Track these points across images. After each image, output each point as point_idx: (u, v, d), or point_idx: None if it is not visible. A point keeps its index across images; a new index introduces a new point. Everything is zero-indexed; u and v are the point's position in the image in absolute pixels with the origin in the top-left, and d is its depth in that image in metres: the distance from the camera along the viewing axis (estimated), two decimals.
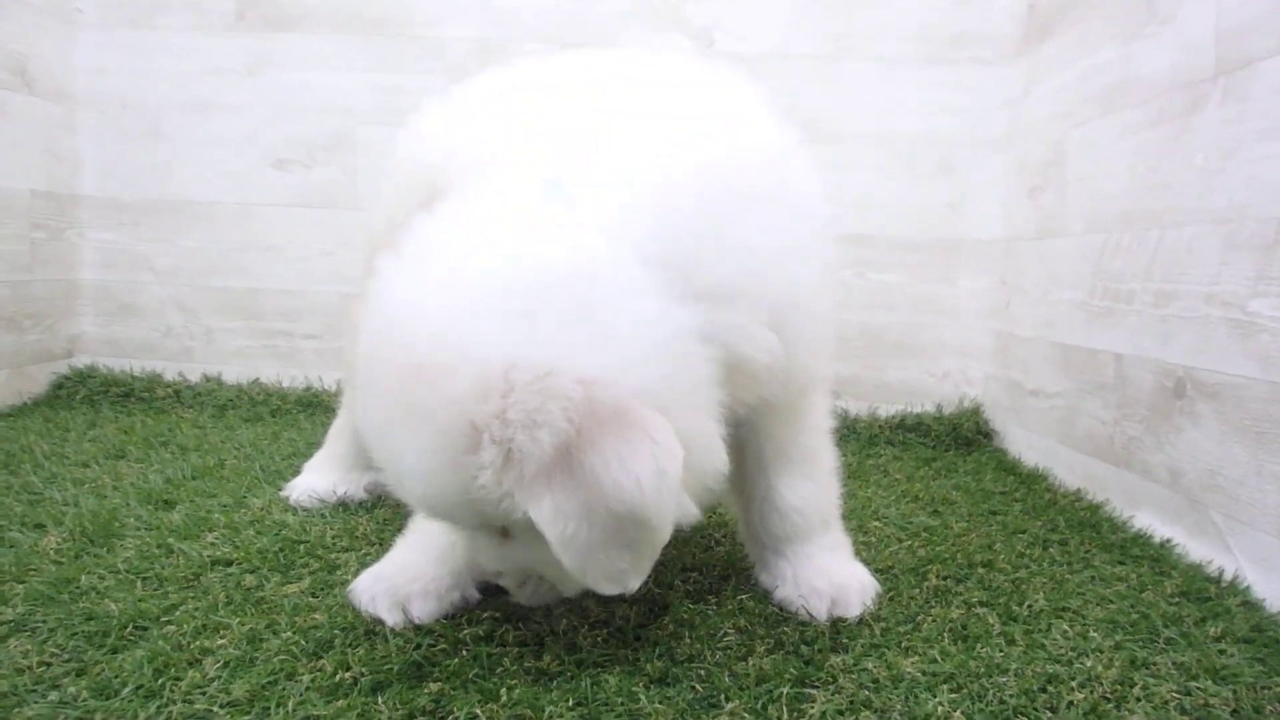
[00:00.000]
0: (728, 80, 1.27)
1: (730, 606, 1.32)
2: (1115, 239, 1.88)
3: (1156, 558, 1.61)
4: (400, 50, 2.57)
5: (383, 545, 1.51)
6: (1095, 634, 1.28)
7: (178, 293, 2.66)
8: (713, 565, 1.49)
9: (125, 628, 1.16)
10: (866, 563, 1.48)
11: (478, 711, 1.01)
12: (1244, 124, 1.50)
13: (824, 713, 1.04)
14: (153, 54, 2.60)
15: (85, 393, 2.54)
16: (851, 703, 1.06)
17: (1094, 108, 2.02)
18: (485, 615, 1.24)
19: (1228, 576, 1.49)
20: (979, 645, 1.23)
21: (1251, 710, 1.08)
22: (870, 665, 1.15)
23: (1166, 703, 1.08)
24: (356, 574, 1.37)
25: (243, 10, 2.59)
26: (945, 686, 1.11)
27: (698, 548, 1.59)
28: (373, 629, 1.20)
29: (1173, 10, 1.72)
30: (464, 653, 1.15)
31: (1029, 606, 1.38)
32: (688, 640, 1.21)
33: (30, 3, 2.49)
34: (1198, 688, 1.12)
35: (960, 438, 2.54)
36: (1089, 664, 1.18)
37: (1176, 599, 1.42)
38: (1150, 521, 1.73)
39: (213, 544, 1.47)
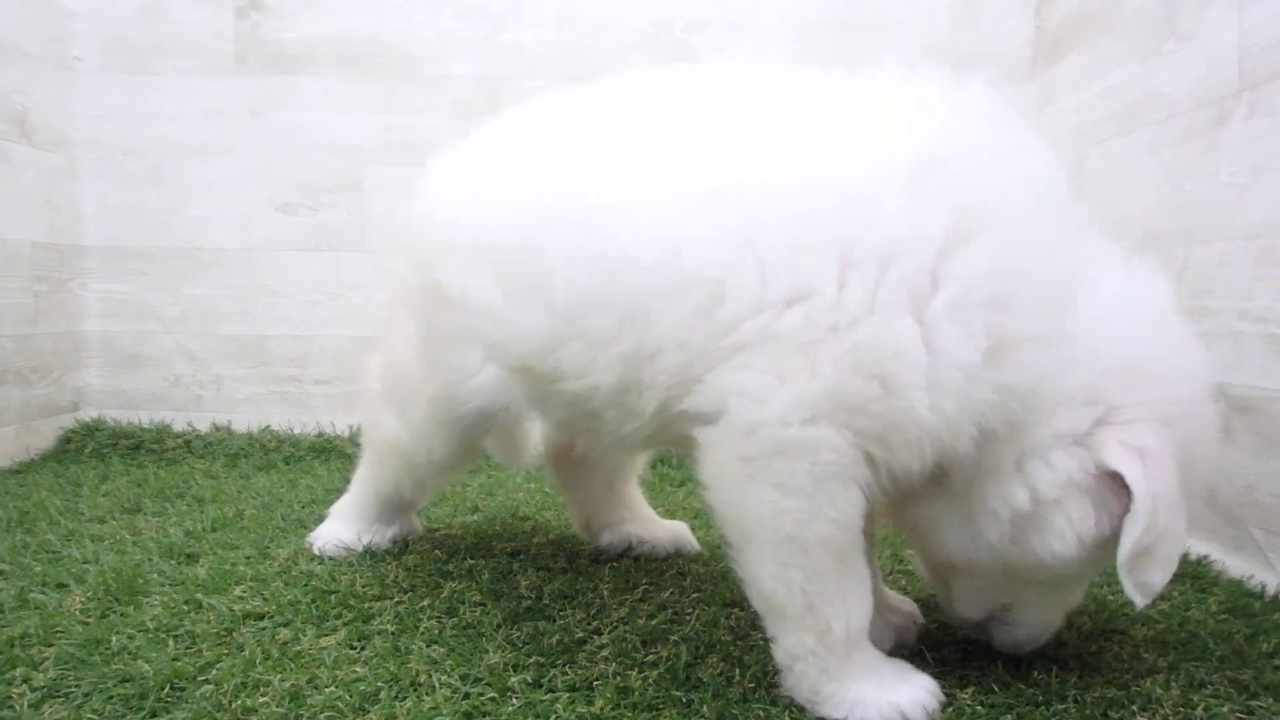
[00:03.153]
0: None
1: None
2: (1141, 257, 1.87)
3: (1196, 575, 1.59)
4: (404, 89, 2.56)
5: (414, 592, 1.48)
6: (1147, 654, 1.26)
7: (185, 341, 2.63)
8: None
9: (162, 689, 1.12)
10: (906, 592, 1.46)
11: None
12: (1272, 138, 1.51)
13: None
14: (153, 99, 2.59)
15: (94, 446, 2.50)
16: None
17: (1113, 126, 2.02)
18: (530, 660, 1.22)
19: (1270, 591, 1.48)
20: (1033, 672, 1.20)
21: None
22: None
23: None
24: (393, 624, 1.35)
25: (243, 54, 2.59)
26: (1008, 718, 1.09)
27: (736, 583, 1.56)
28: (417, 680, 1.17)
29: (1194, 27, 1.72)
30: (514, 700, 1.13)
31: (1077, 630, 1.36)
32: (739, 679, 1.18)
33: (28, 52, 2.48)
34: (1260, 706, 1.10)
35: None
36: (1147, 685, 1.15)
37: (1223, 616, 1.40)
38: (1187, 538, 1.71)
39: (241, 597, 1.44)
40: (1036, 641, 1.21)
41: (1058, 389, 1.03)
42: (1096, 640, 1.31)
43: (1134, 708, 1.10)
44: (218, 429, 2.58)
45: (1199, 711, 1.09)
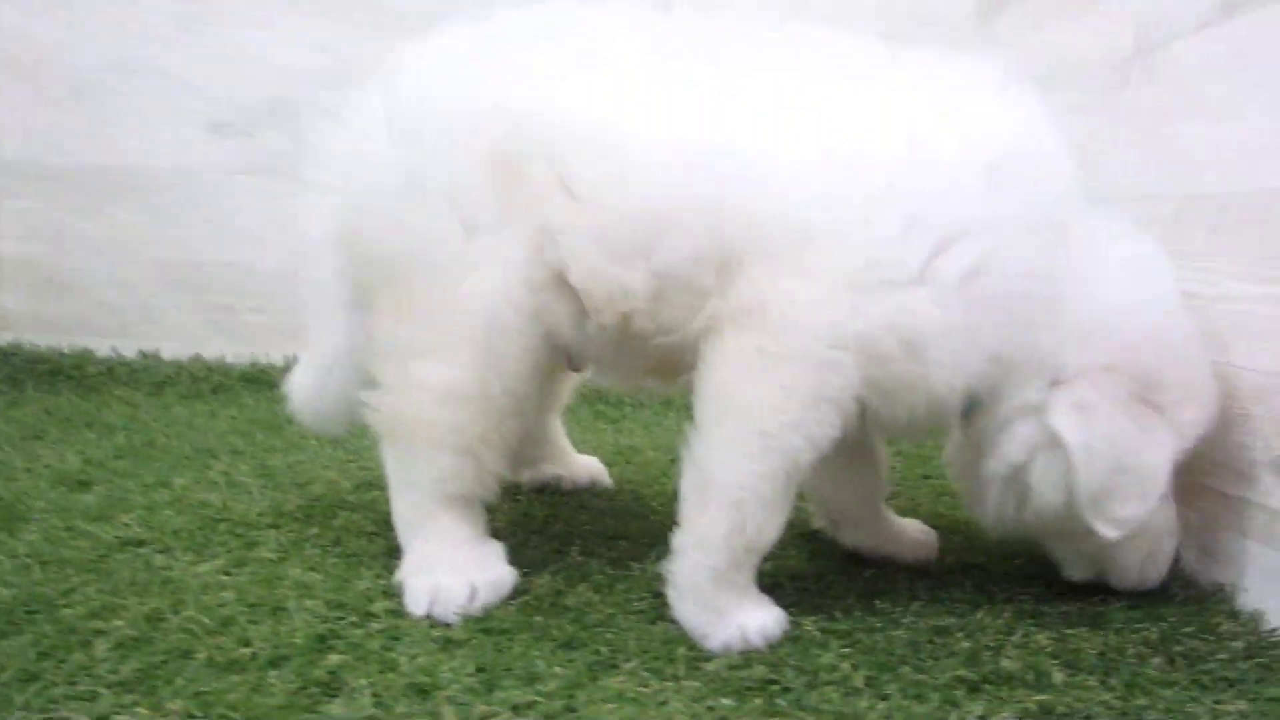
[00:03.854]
0: None
1: (653, 572, 1.30)
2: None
3: None
4: (340, 9, 2.49)
5: (307, 522, 1.48)
6: (994, 587, 1.31)
7: (110, 265, 2.55)
8: (642, 535, 1.46)
9: (13, 612, 1.11)
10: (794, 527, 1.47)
11: (375, 681, 0.99)
12: (1158, 104, 1.52)
13: (717, 669, 1.04)
14: (73, 13, 2.49)
15: (8, 371, 2.42)
16: (747, 659, 1.07)
17: (1039, 87, 2.01)
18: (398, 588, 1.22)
19: None
20: (877, 601, 1.25)
21: (1115, 652, 1.11)
22: None
23: (1043, 649, 1.11)
24: (275, 552, 1.34)
25: None
26: (839, 642, 1.12)
27: (629, 516, 1.56)
28: (282, 605, 1.16)
29: None
30: (372, 625, 1.13)
31: (941, 563, 1.41)
32: (601, 606, 1.19)
33: None
34: (1073, 634, 1.16)
35: None
36: (980, 616, 1.21)
37: None
38: None
39: (126, 525, 1.42)
40: (1154, 575, 1.27)
41: (1032, 362, 1.15)
42: (957, 574, 1.36)
43: (960, 635, 1.15)
44: (145, 356, 2.54)
45: (1016, 637, 1.15)
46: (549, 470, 1.72)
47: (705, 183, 1.15)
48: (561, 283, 1.21)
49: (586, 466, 1.76)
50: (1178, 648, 1.12)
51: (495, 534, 1.36)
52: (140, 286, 2.57)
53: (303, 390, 1.48)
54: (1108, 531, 1.15)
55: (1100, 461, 1.12)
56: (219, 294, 2.58)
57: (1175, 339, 1.19)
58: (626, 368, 1.38)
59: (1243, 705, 0.99)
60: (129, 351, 2.55)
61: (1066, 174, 1.19)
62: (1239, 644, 1.13)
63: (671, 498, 1.52)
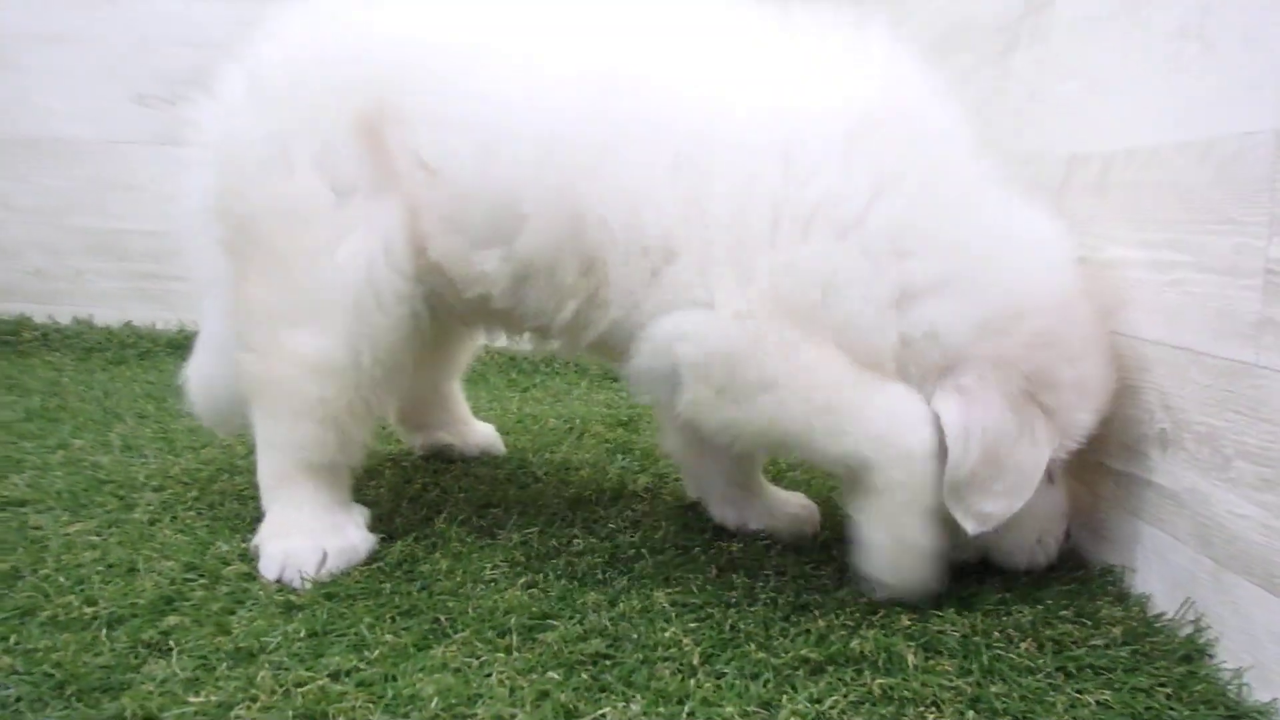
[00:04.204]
0: None
1: (514, 541, 1.33)
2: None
3: None
4: None
5: (192, 486, 1.51)
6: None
7: (39, 233, 2.59)
8: (516, 503, 1.49)
9: None
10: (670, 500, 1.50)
11: (204, 643, 1.02)
12: (1043, 65, 1.51)
13: (553, 641, 1.05)
14: None
15: None
16: (585, 631, 1.08)
17: (937, 50, 2.00)
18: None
19: None
20: (734, 576, 1.24)
21: (981, 635, 1.09)
22: (625, 598, 1.16)
23: (902, 630, 1.11)
24: (150, 514, 1.37)
25: None
26: (690, 616, 1.13)
27: (509, 484, 1.59)
28: (137, 566, 1.19)
29: None
30: (219, 588, 1.16)
31: (818, 538, 1.40)
32: (453, 574, 1.21)
33: None
34: (938, 615, 1.13)
35: None
36: (842, 593, 1.19)
37: None
38: None
39: (14, 485, 1.46)
40: (1042, 559, 1.24)
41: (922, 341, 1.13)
42: (830, 549, 1.34)
43: (817, 613, 1.14)
44: (79, 322, 2.57)
45: (877, 617, 1.13)
46: (442, 437, 1.72)
47: (558, 172, 1.14)
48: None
49: (480, 435, 1.76)
50: (1049, 632, 1.08)
51: (370, 500, 1.40)
52: (70, 254, 2.60)
53: (199, 376, 1.46)
54: (967, 525, 1.11)
55: (973, 449, 1.09)
56: (144, 261, 2.61)
57: (1073, 339, 1.15)
58: (517, 334, 1.39)
59: (1106, 695, 0.95)
60: (65, 318, 2.58)
61: (940, 137, 1.17)
62: (1118, 630, 1.08)
63: (560, 466, 1.55)
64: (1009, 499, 1.11)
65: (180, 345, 2.51)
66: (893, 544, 1.13)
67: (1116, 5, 1.31)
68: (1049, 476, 1.17)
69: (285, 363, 1.24)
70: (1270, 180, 0.97)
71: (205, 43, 2.49)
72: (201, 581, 1.17)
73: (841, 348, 1.10)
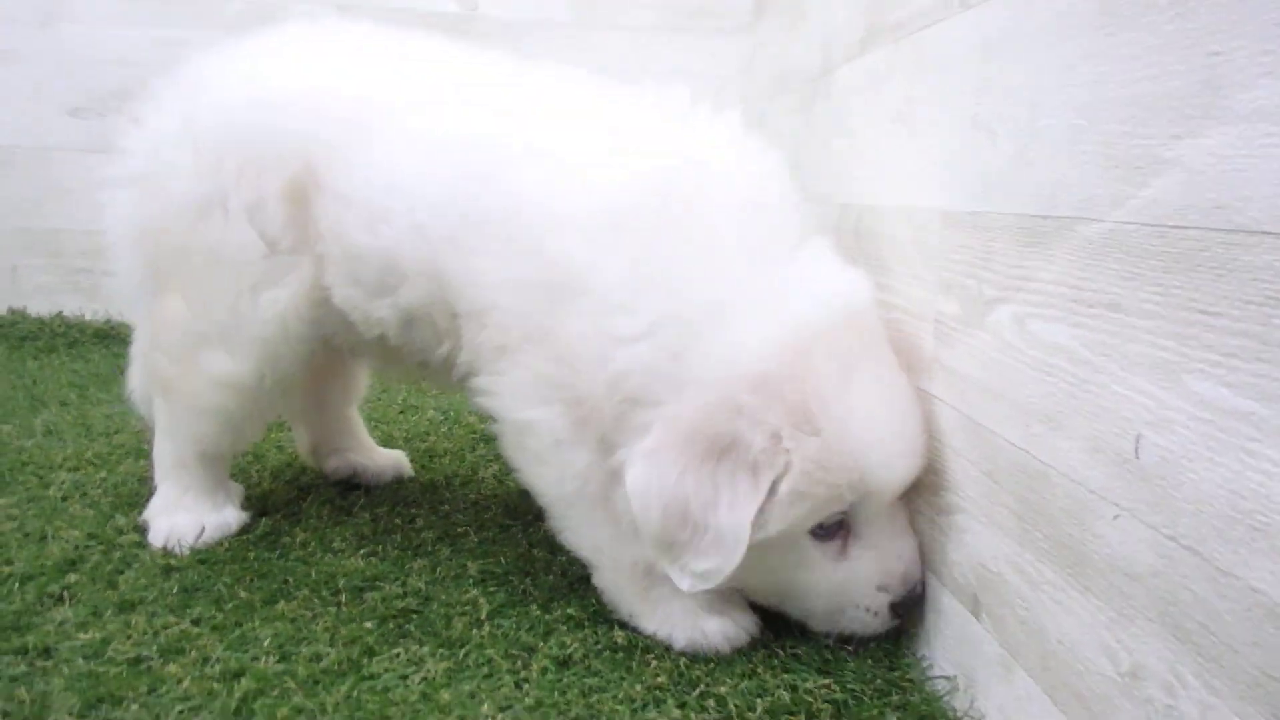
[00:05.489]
0: None
1: (364, 519, 1.62)
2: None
3: None
4: (181, 7, 2.74)
5: (101, 468, 1.77)
6: None
7: None
8: (370, 487, 1.78)
9: None
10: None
11: (96, 596, 1.30)
12: (826, 120, 1.79)
13: (374, 600, 1.34)
14: None
15: None
16: (404, 592, 1.37)
17: (775, 88, 2.29)
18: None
19: None
20: (540, 551, 1.53)
21: None
22: (445, 566, 1.46)
23: None
24: (64, 491, 1.64)
25: None
26: (493, 582, 1.42)
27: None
28: (45, 534, 1.46)
29: (812, 7, 1.99)
30: (114, 554, 1.43)
31: None
32: (307, 544, 1.50)
33: None
34: None
35: None
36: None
37: None
38: None
39: None
40: (849, 628, 1.25)
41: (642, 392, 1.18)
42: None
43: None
44: (13, 313, 2.82)
45: None
46: (353, 459, 1.83)
47: (427, 244, 1.31)
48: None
49: (390, 458, 1.87)
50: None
51: (252, 481, 1.68)
52: (8, 252, 2.84)
53: (141, 386, 1.64)
54: (681, 582, 1.14)
55: (654, 511, 1.11)
56: (77, 258, 2.86)
57: (803, 398, 1.13)
58: (398, 371, 1.64)
59: None
60: (0, 309, 2.82)
61: (708, 198, 1.23)
62: None
63: (425, 453, 1.84)
64: (716, 558, 1.11)
65: (106, 335, 2.78)
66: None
67: (867, 78, 1.58)
68: (840, 544, 1.20)
69: (197, 375, 1.48)
70: (940, 248, 1.23)
71: (130, 62, 2.75)
72: (100, 548, 1.44)
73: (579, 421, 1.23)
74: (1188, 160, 0.77)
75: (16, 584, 1.31)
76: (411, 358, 1.48)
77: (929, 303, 1.28)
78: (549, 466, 1.30)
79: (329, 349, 1.55)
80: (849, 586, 1.21)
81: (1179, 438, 0.77)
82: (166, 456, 1.56)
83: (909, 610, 1.24)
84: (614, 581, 1.32)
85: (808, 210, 1.35)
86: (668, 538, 1.12)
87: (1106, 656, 0.86)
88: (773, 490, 1.12)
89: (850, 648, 1.25)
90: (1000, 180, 1.08)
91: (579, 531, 1.33)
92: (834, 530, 1.20)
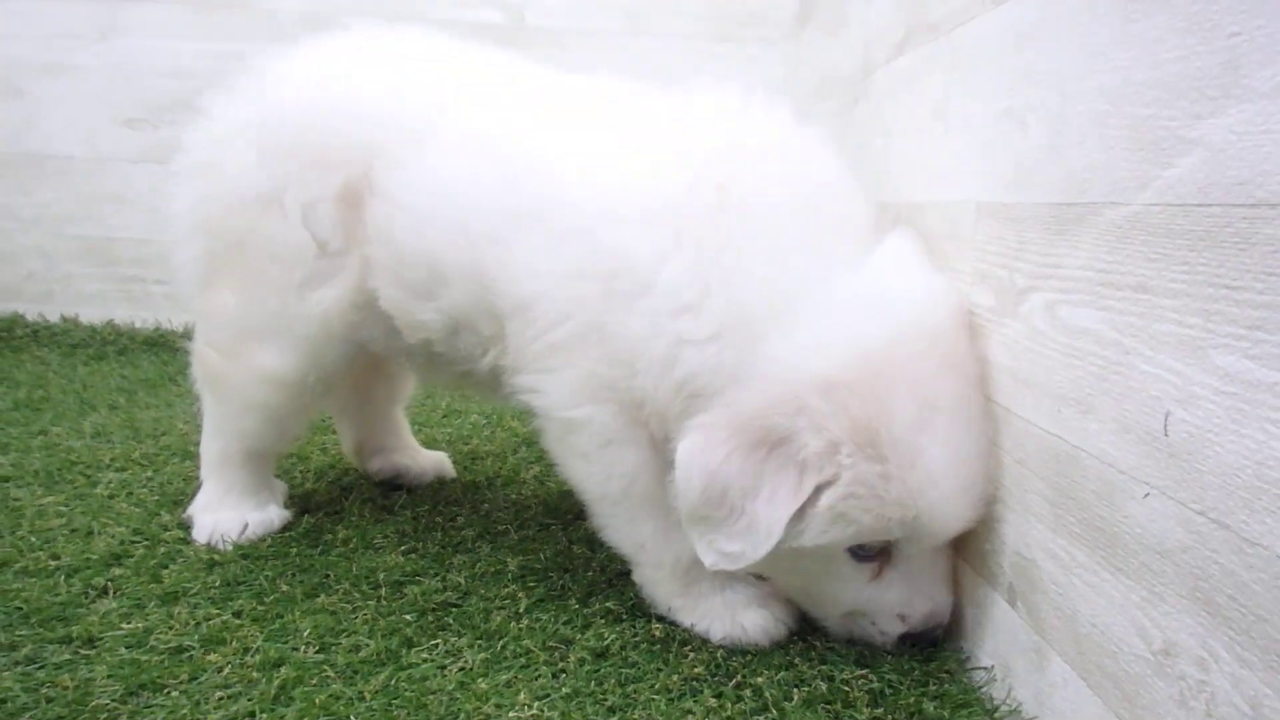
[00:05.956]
0: None
1: (406, 516, 1.62)
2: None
3: None
4: (234, 20, 2.79)
5: (148, 467, 1.79)
6: None
7: (38, 240, 2.90)
8: (425, 486, 1.77)
9: None
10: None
11: (140, 589, 1.31)
12: (866, 121, 1.78)
13: (415, 594, 1.34)
14: (7, 21, 2.81)
15: None
16: (443, 586, 1.37)
17: (817, 93, 2.28)
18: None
19: None
20: (580, 548, 1.53)
21: None
22: (485, 562, 1.46)
23: None
24: (111, 489, 1.66)
25: None
26: (532, 577, 1.41)
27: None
28: (92, 530, 1.48)
29: (853, 12, 1.98)
30: (159, 549, 1.44)
31: None
32: (349, 541, 1.50)
33: None
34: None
35: None
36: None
37: None
38: None
39: (0, 465, 1.75)
40: (826, 620, 1.27)
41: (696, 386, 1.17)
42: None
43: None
44: (66, 321, 2.87)
45: None
46: (397, 460, 1.83)
47: (470, 248, 1.32)
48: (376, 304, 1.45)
49: (432, 459, 1.87)
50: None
51: (295, 481, 1.68)
52: (62, 259, 2.90)
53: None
54: (705, 557, 1.14)
55: (695, 483, 1.11)
56: (129, 266, 2.91)
57: (858, 411, 1.08)
58: (441, 378, 1.62)
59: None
60: (54, 316, 2.88)
61: (765, 197, 1.20)
62: None
63: (468, 456, 1.84)
64: (744, 544, 1.11)
65: (155, 343, 2.82)
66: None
67: (900, 79, 1.57)
68: (876, 567, 1.19)
69: (245, 368, 1.49)
70: (974, 240, 1.22)
71: (185, 74, 2.81)
72: (145, 543, 1.46)
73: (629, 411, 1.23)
74: (1210, 139, 0.77)
75: (63, 577, 1.33)
76: (455, 366, 1.48)
77: (965, 296, 1.25)
78: (596, 464, 1.29)
79: (371, 353, 1.56)
80: (871, 605, 1.21)
81: (1205, 412, 0.77)
82: (212, 453, 1.58)
83: (918, 645, 1.22)
84: (654, 577, 1.31)
85: (871, 202, 1.33)
86: (703, 512, 1.12)
87: (1139, 636, 0.86)
88: (814, 497, 1.09)
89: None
90: (1032, 170, 1.07)
91: (622, 529, 1.32)
92: (875, 554, 1.19)
